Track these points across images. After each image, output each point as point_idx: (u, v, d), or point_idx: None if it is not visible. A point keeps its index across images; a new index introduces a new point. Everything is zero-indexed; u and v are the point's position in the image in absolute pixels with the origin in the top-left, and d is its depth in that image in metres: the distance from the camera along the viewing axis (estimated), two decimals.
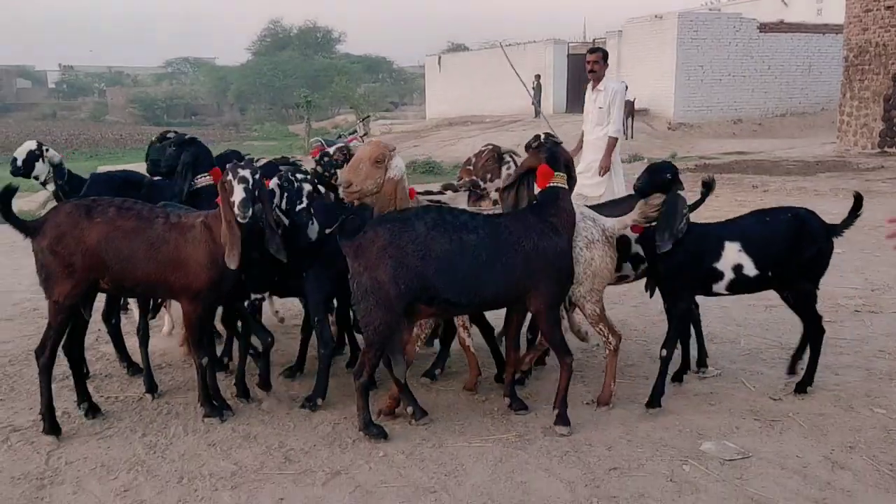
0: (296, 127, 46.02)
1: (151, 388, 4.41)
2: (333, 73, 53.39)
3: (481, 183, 4.61)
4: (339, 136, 15.64)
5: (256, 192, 3.76)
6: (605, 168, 6.72)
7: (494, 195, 4.62)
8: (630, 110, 21.08)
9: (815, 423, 3.97)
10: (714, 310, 5.89)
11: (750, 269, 4.11)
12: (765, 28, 24.39)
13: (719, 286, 4.17)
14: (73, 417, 4.15)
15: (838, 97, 18.90)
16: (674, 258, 4.05)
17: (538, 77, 27.22)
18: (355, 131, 15.84)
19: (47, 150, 5.81)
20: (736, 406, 4.21)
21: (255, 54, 60.67)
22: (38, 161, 5.71)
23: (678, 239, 3.96)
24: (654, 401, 4.13)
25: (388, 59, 65.01)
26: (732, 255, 4.11)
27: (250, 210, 3.65)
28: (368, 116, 21.18)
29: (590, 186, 6.69)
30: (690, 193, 4.13)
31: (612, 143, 6.75)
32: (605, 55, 7.04)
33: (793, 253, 4.13)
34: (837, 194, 11.75)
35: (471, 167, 4.68)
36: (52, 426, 3.87)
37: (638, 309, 6.06)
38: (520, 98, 27.83)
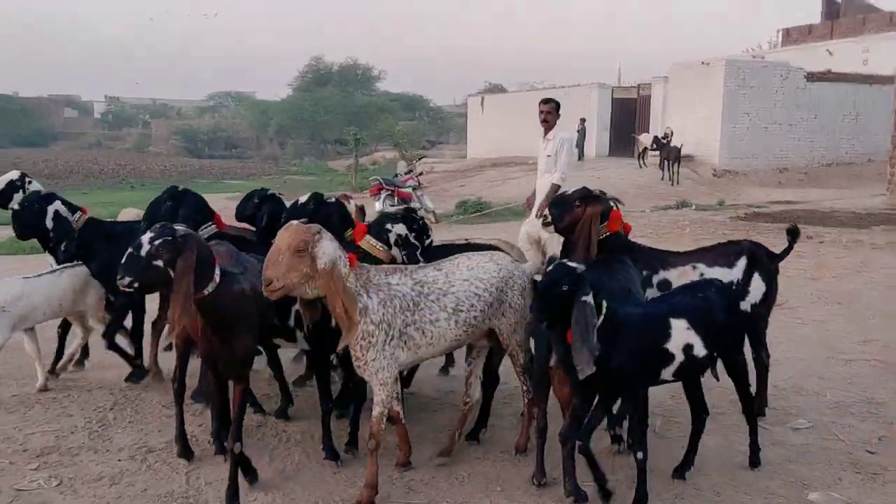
0: (335, 162, 46.95)
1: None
2: (373, 110, 54.56)
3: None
4: (396, 175, 15.98)
5: None
6: (540, 210, 6.76)
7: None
8: (676, 156, 21.27)
9: None
10: (795, 363, 6.01)
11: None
12: (812, 77, 24.54)
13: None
14: (202, 441, 4.40)
15: (885, 148, 18.93)
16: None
17: (583, 121, 27.53)
18: (411, 171, 16.19)
19: (30, 181, 5.81)
20: (834, 458, 4.33)
21: (297, 90, 61.94)
22: (17, 192, 5.69)
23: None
24: None
25: (424, 98, 66.09)
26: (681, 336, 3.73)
27: None
28: (423, 156, 21.57)
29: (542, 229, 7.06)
30: (772, 243, 4.30)
31: (555, 189, 6.85)
32: (558, 106, 7.31)
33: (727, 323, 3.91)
34: (895, 248, 11.79)
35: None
36: (184, 449, 4.11)
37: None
38: None
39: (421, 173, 16.33)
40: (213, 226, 5.32)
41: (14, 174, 5.83)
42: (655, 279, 4.62)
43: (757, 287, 4.77)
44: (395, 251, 4.55)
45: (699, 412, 4.13)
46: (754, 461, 4.21)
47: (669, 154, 21.39)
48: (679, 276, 4.62)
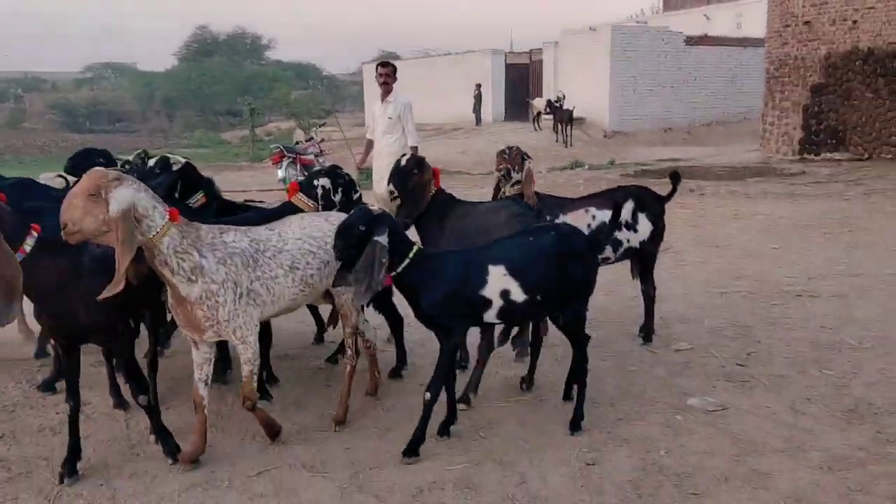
0: (228, 134, 45.73)
1: None
2: (264, 79, 53.27)
3: (512, 172, 5.30)
4: (297, 143, 15.98)
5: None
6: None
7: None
8: (569, 118, 22.09)
9: (777, 383, 4.71)
10: (679, 297, 6.67)
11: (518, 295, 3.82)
12: (691, 41, 25.87)
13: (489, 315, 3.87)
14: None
15: (759, 107, 20.30)
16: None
17: (479, 86, 28.06)
18: (311, 138, 16.21)
19: None
20: (710, 371, 4.92)
21: (182, 60, 59.71)
22: None
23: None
24: (413, 450, 3.81)
25: (318, 67, 65.08)
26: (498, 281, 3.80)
27: None
28: (324, 122, 21.51)
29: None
30: (659, 187, 4.82)
31: (416, 150, 7.16)
32: (395, 69, 7.63)
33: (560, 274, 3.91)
34: (766, 196, 12.86)
35: (506, 156, 5.35)
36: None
37: (609, 296, 6.75)
38: (460, 107, 28.66)
39: (322, 140, 16.37)
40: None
41: None
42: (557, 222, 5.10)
43: (644, 226, 5.37)
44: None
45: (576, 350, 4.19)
46: (575, 424, 4.10)
47: (562, 117, 22.19)
48: (574, 220, 5.12)
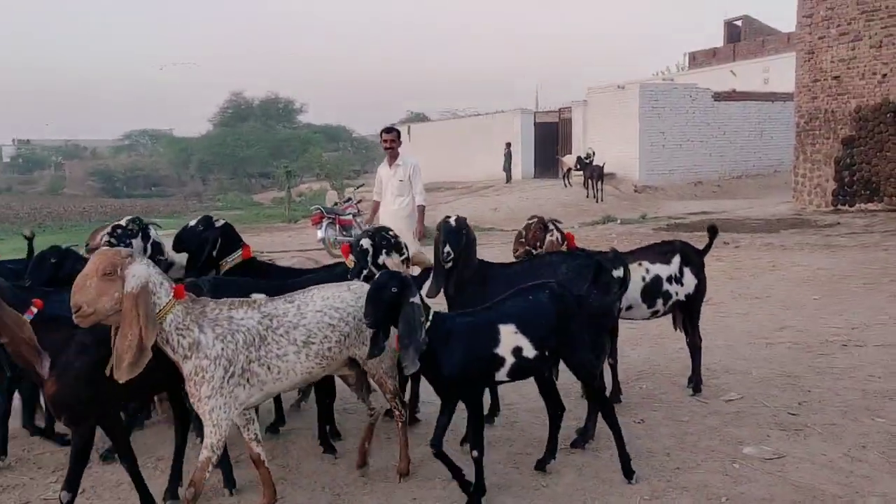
0: (260, 196, 46.73)
1: None
2: (296, 142, 54.58)
3: (533, 252, 5.44)
4: (336, 204, 16.40)
5: None
6: (421, 233, 7.63)
7: None
8: (599, 174, 22.38)
9: (831, 431, 4.76)
10: (723, 348, 6.75)
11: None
12: (719, 97, 26.21)
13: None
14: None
15: (790, 159, 20.43)
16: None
17: (509, 145, 28.56)
18: (350, 199, 16.65)
19: None
20: (762, 420, 4.99)
21: (217, 125, 61.33)
22: None
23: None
24: (475, 502, 3.86)
25: (347, 129, 66.47)
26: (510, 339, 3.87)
27: None
28: (362, 184, 21.99)
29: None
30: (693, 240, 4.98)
31: (422, 210, 7.71)
32: (399, 134, 7.85)
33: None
34: (803, 248, 12.90)
35: (523, 240, 5.53)
36: None
37: (655, 349, 6.86)
38: (490, 165, 29.15)
39: (360, 201, 16.79)
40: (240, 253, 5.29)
41: None
42: None
43: (689, 279, 5.52)
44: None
45: (555, 408, 4.34)
46: (627, 471, 4.17)
47: (593, 173, 22.49)
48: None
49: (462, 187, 28.44)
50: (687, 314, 5.65)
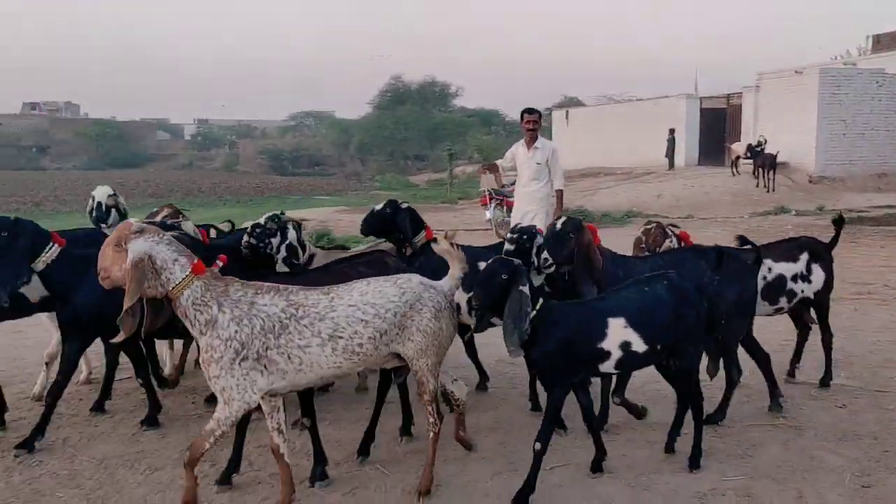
0: (415, 177, 48.06)
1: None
2: (451, 126, 55.64)
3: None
4: (504, 186, 16.73)
5: None
6: (557, 216, 7.32)
7: None
8: (772, 164, 21.44)
9: None
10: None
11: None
12: None
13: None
14: None
15: None
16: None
17: (672, 131, 27.88)
18: (515, 182, 16.95)
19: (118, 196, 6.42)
20: None
21: (376, 108, 63.33)
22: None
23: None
24: (523, 499, 3.80)
25: (500, 112, 66.76)
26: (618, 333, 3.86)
27: None
28: None
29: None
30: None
31: (561, 195, 7.71)
32: (541, 116, 7.85)
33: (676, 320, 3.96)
34: None
35: (643, 245, 5.57)
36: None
37: (849, 339, 6.73)
38: (652, 151, 28.57)
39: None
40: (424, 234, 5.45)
41: (105, 190, 6.41)
42: None
43: (818, 276, 5.42)
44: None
45: (684, 399, 4.31)
46: (694, 463, 4.19)
47: (764, 161, 21.56)
48: None
49: (621, 173, 28.07)
50: (816, 310, 5.55)
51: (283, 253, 5.21)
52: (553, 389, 3.85)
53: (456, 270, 3.99)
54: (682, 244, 5.52)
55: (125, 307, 3.43)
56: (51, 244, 4.51)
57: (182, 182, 44.28)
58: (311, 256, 5.61)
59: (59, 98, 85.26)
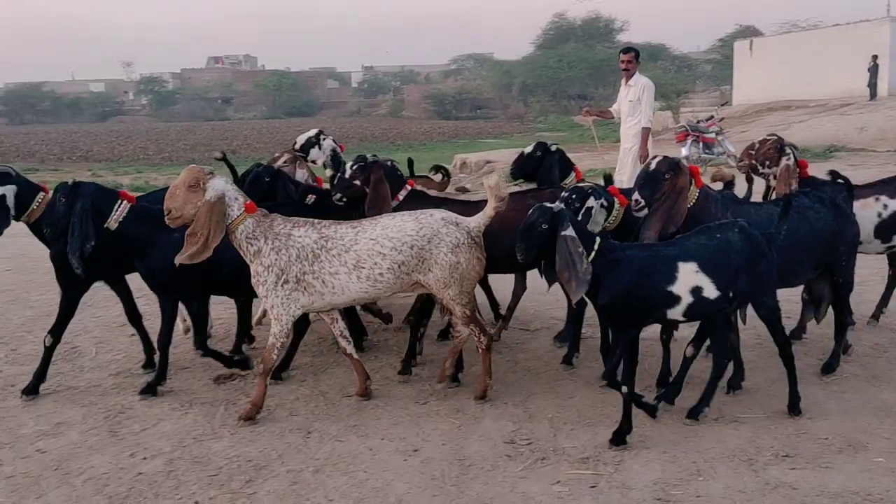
0: (580, 118, 47.19)
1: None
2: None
3: (759, 167, 5.07)
4: (699, 121, 16.36)
5: None
6: (643, 157, 7.35)
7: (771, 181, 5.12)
8: None
9: None
10: None
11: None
12: None
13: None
14: None
15: None
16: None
17: (875, 57, 25.71)
18: (712, 116, 16.50)
19: (324, 138, 6.30)
20: None
21: (539, 47, 62.32)
22: (313, 147, 6.26)
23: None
24: (620, 439, 3.81)
25: (666, 46, 63.80)
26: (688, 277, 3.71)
27: None
28: (725, 102, 21.58)
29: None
30: None
31: (646, 133, 7.61)
32: (637, 54, 7.85)
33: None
34: None
35: (752, 151, 5.11)
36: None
37: None
38: (847, 81, 26.54)
39: (722, 119, 16.56)
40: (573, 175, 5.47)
41: (312, 131, 6.39)
42: None
43: None
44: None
45: (720, 355, 4.14)
46: (793, 408, 4.08)
47: None
48: (862, 208, 4.87)
49: (815, 105, 26.26)
50: None
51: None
52: (623, 333, 3.81)
53: (489, 209, 4.19)
54: (800, 172, 4.97)
55: (210, 242, 3.94)
56: (119, 202, 4.48)
57: (355, 129, 45.82)
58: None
59: (239, 51, 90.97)
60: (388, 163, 5.02)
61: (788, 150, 4.92)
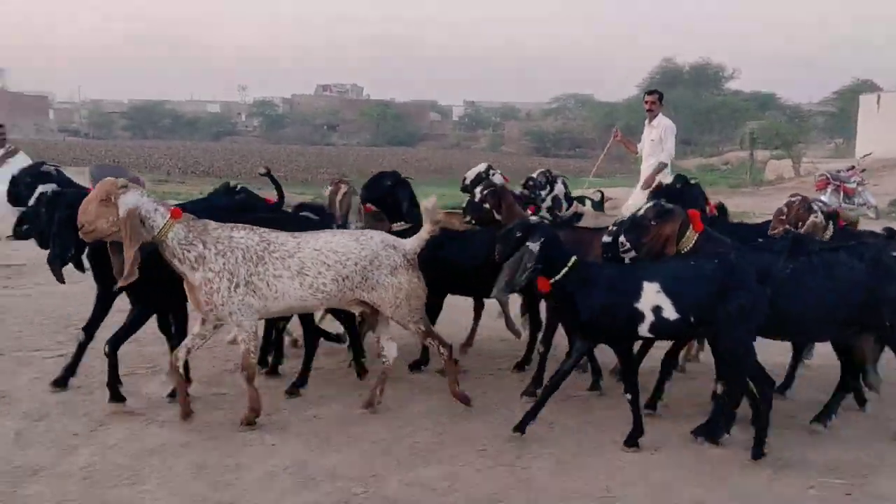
0: (684, 162, 46.36)
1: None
2: (724, 110, 52.79)
3: (792, 230, 4.92)
4: (839, 171, 15.98)
5: None
6: (647, 183, 7.70)
7: None
8: None
9: None
10: None
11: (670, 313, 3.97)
12: None
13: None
14: None
15: None
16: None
17: None
18: (853, 167, 16.10)
19: (493, 173, 6.17)
20: None
21: (643, 91, 61.65)
22: (480, 183, 5.96)
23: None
24: (633, 441, 4.15)
25: (777, 96, 62.28)
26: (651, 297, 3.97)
27: None
28: (868, 153, 20.92)
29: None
30: None
31: (661, 167, 8.02)
32: (661, 96, 8.37)
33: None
34: None
35: (783, 217, 5.06)
36: None
37: None
38: None
39: (864, 170, 16.10)
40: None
41: (482, 166, 6.35)
42: None
43: None
44: None
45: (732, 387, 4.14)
46: (757, 452, 4.03)
47: None
48: None
49: None
50: None
51: (548, 202, 6.15)
52: (615, 349, 4.21)
53: (424, 232, 4.43)
54: (831, 224, 5.00)
55: (127, 255, 3.89)
56: None
57: (456, 160, 46.15)
58: (579, 215, 6.03)
59: (347, 80, 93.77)
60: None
61: (815, 208, 5.06)
